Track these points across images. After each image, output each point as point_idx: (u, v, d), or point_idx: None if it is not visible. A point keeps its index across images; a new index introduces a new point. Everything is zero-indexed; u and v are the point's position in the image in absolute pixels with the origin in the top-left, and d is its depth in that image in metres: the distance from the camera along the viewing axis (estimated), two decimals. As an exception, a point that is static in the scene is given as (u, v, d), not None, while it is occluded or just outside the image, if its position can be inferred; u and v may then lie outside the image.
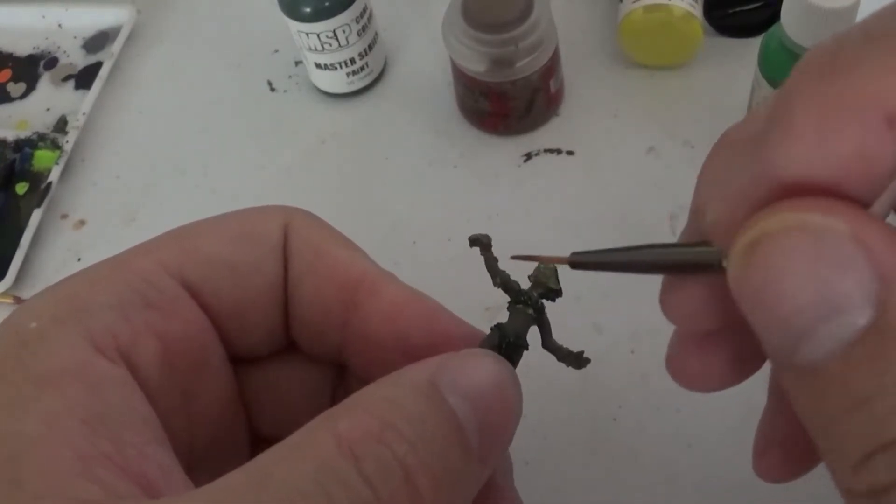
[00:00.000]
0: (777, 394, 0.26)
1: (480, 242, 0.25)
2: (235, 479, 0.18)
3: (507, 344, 0.24)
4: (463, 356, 0.22)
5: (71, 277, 0.23)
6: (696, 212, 0.22)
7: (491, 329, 0.24)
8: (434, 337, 0.25)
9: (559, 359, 0.25)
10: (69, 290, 0.22)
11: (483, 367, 0.21)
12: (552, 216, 0.49)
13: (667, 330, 0.24)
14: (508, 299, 0.25)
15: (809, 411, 0.18)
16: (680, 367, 0.23)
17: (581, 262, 0.22)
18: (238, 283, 0.24)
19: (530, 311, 0.24)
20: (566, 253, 0.22)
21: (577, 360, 0.25)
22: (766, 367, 0.24)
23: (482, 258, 0.25)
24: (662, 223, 0.48)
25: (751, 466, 0.37)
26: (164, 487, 0.19)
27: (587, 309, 0.44)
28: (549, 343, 0.25)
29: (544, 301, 0.24)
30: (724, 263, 0.19)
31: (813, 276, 0.16)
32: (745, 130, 0.20)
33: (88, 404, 0.20)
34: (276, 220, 0.25)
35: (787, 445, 0.24)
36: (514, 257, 0.24)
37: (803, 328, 0.16)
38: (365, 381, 0.25)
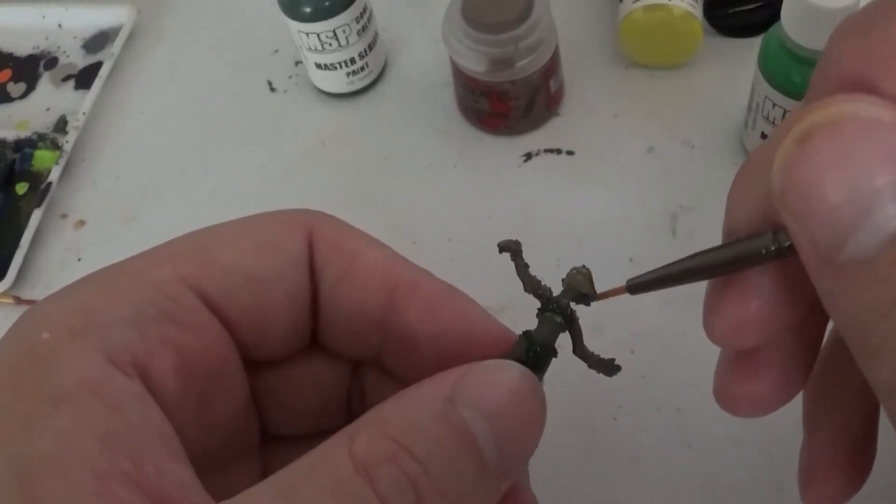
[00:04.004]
0: (812, 426, 0.26)
1: (510, 249, 0.25)
2: (256, 498, 0.19)
3: (534, 353, 0.24)
4: (483, 369, 0.22)
5: (82, 285, 0.22)
6: (729, 233, 0.22)
7: (519, 336, 0.24)
8: (466, 337, 0.24)
9: (590, 366, 0.25)
10: (83, 301, 0.22)
11: (503, 380, 0.21)
12: (552, 216, 0.49)
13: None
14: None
15: (853, 312, 0.17)
16: (732, 396, 0.23)
17: (638, 284, 0.22)
18: (258, 295, 0.24)
19: (559, 319, 0.24)
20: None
21: (608, 367, 0.24)
22: (796, 400, 0.24)
23: (513, 264, 0.25)
24: (662, 223, 0.48)
25: (750, 466, 0.37)
26: None
27: (588, 309, 0.44)
28: (579, 350, 0.25)
29: (578, 305, 0.24)
30: (773, 247, 0.19)
31: (867, 165, 0.16)
32: (765, 152, 0.20)
33: (105, 422, 0.19)
34: (297, 228, 0.25)
35: (831, 474, 0.25)
36: (572, 300, 0.24)
37: (855, 219, 0.16)
38: (401, 380, 0.26)
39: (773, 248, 0.20)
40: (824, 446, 0.25)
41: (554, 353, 0.24)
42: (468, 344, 0.24)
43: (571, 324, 0.24)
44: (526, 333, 0.24)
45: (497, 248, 0.25)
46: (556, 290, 0.24)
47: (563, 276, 0.24)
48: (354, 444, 0.19)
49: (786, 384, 0.23)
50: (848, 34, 0.18)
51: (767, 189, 0.19)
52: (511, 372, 0.22)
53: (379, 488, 0.19)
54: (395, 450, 0.19)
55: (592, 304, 0.24)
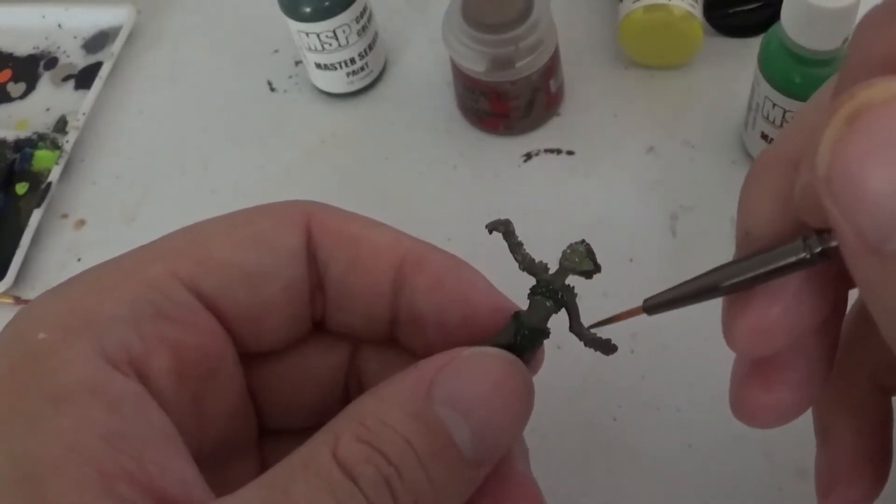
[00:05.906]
0: (828, 433, 0.26)
1: (499, 229, 0.24)
2: (255, 495, 0.19)
3: (523, 336, 0.23)
4: (464, 361, 0.21)
5: (76, 283, 0.22)
6: (745, 235, 0.21)
7: (510, 318, 0.24)
8: (468, 309, 0.24)
9: (586, 344, 0.24)
10: (78, 300, 0.22)
11: (485, 372, 0.21)
12: (552, 216, 0.49)
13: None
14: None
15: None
16: (752, 407, 0.23)
17: (656, 304, 0.21)
18: (254, 290, 0.24)
19: (549, 303, 0.24)
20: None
21: (605, 346, 0.24)
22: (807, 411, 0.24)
23: (507, 245, 0.24)
24: (662, 223, 0.48)
25: (749, 466, 0.37)
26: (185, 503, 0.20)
27: (587, 308, 0.44)
28: (576, 328, 0.24)
29: (581, 277, 0.24)
30: (806, 255, 0.18)
31: None
32: (780, 148, 0.20)
33: (106, 421, 0.19)
34: (293, 220, 0.24)
35: (852, 480, 0.24)
36: (591, 327, 0.24)
37: None
38: (405, 358, 0.26)
39: (806, 256, 0.18)
40: (843, 452, 0.25)
41: (545, 335, 0.24)
42: (470, 316, 0.24)
43: (563, 306, 0.24)
44: (516, 315, 0.24)
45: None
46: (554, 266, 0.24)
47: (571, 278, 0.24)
48: (338, 447, 0.20)
49: (805, 391, 0.22)
50: (878, 20, 0.18)
51: (792, 186, 0.19)
52: (494, 361, 0.22)
53: (364, 488, 0.19)
54: (370, 453, 0.20)
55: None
